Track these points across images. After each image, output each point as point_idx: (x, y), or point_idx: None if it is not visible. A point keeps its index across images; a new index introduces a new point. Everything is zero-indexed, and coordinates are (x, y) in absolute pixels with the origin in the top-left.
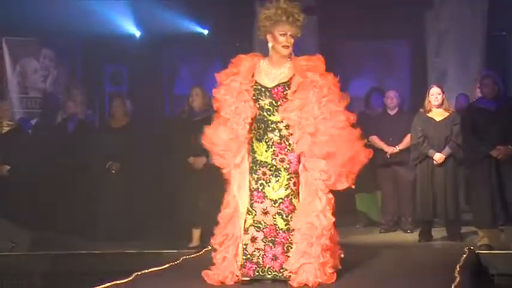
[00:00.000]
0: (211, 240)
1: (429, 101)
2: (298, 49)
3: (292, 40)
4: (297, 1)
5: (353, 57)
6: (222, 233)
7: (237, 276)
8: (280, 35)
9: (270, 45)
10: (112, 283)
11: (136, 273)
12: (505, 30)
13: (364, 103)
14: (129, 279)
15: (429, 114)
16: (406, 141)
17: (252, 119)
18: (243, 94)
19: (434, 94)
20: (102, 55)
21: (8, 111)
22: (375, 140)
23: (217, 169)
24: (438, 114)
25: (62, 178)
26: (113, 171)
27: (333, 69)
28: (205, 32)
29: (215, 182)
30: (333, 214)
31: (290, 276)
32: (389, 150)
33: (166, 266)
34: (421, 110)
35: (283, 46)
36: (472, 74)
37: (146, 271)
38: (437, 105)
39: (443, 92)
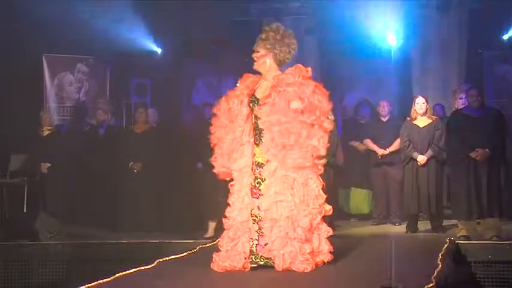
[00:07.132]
0: (224, 232)
1: (415, 110)
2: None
3: (258, 54)
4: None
5: (349, 72)
6: (234, 228)
7: (241, 263)
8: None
9: None
10: (137, 269)
11: (158, 260)
12: (480, 48)
13: (354, 111)
14: (153, 265)
15: (414, 122)
16: (396, 144)
17: (247, 119)
18: (242, 100)
19: (420, 103)
20: (129, 69)
21: (48, 119)
22: (368, 143)
23: None
24: (422, 121)
25: (93, 176)
26: (135, 171)
27: (332, 82)
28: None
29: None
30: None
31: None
32: (380, 152)
33: (185, 254)
34: (408, 118)
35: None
36: (449, 86)
37: (167, 258)
38: (421, 113)
39: (427, 102)
